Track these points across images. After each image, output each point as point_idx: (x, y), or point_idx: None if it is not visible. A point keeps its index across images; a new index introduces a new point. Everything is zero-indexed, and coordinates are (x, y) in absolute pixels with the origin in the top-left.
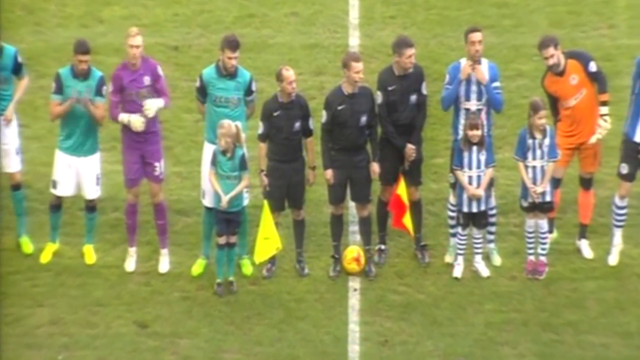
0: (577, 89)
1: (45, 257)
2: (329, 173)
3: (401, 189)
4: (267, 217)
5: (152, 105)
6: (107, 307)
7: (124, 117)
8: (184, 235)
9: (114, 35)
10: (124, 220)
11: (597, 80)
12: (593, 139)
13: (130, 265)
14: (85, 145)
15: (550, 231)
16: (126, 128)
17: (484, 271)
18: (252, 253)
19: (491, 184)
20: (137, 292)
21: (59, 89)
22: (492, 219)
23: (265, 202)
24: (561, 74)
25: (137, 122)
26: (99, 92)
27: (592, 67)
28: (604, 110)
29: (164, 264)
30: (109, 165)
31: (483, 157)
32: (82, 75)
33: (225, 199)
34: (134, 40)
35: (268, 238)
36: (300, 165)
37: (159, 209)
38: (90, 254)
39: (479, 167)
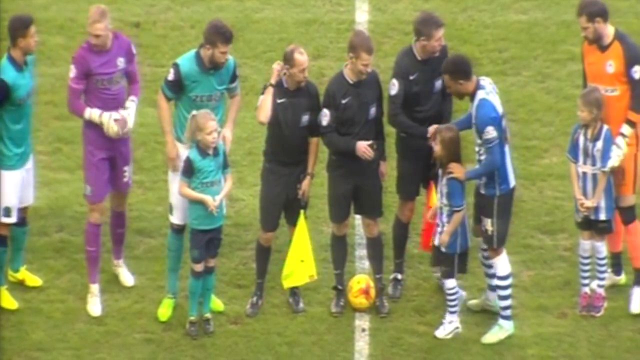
0: (610, 80)
1: None
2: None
3: (434, 200)
4: (302, 232)
5: (132, 113)
6: (49, 353)
7: (94, 113)
8: (146, 262)
9: (58, 8)
10: (85, 248)
11: (634, 91)
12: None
13: (95, 308)
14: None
15: (617, 272)
16: (93, 124)
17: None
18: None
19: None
20: (88, 334)
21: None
22: (502, 284)
23: (302, 213)
24: (602, 48)
25: (114, 126)
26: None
27: (636, 72)
28: (625, 129)
29: (128, 276)
30: (51, 172)
31: (445, 190)
32: (25, 63)
33: (215, 202)
34: (93, 29)
35: (304, 261)
36: (303, 171)
37: (121, 215)
38: (31, 276)
39: (442, 196)
